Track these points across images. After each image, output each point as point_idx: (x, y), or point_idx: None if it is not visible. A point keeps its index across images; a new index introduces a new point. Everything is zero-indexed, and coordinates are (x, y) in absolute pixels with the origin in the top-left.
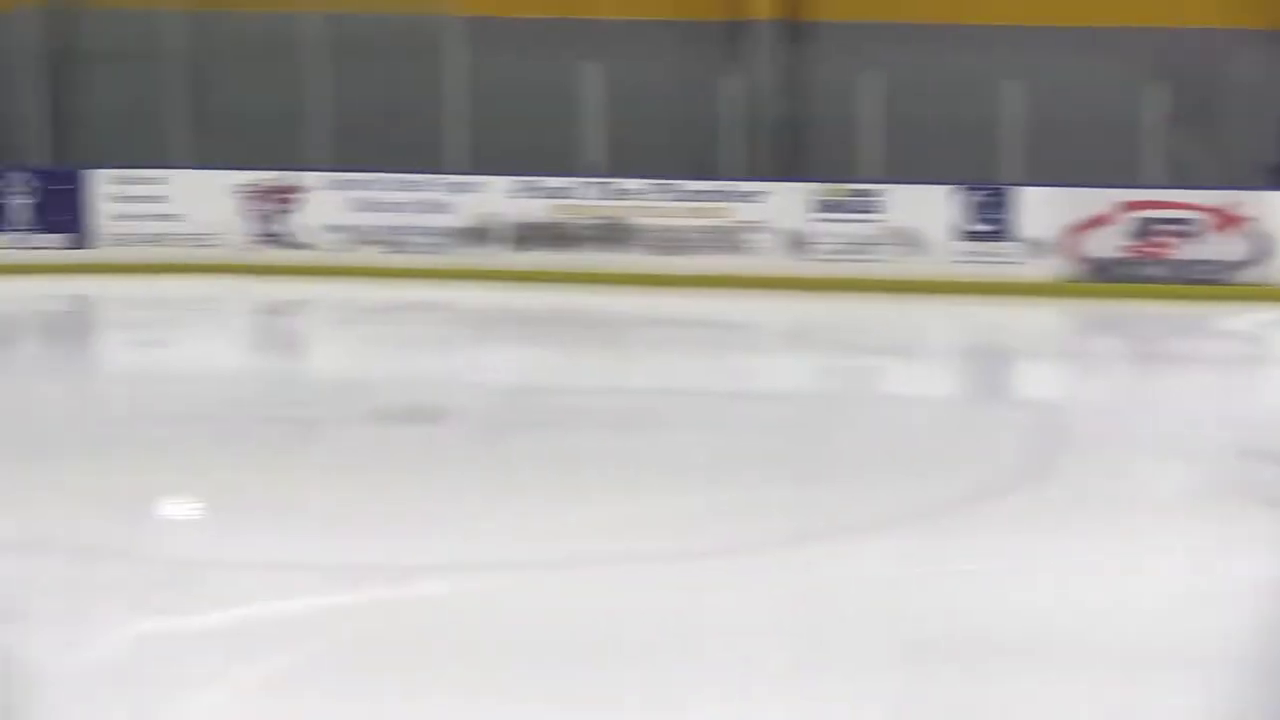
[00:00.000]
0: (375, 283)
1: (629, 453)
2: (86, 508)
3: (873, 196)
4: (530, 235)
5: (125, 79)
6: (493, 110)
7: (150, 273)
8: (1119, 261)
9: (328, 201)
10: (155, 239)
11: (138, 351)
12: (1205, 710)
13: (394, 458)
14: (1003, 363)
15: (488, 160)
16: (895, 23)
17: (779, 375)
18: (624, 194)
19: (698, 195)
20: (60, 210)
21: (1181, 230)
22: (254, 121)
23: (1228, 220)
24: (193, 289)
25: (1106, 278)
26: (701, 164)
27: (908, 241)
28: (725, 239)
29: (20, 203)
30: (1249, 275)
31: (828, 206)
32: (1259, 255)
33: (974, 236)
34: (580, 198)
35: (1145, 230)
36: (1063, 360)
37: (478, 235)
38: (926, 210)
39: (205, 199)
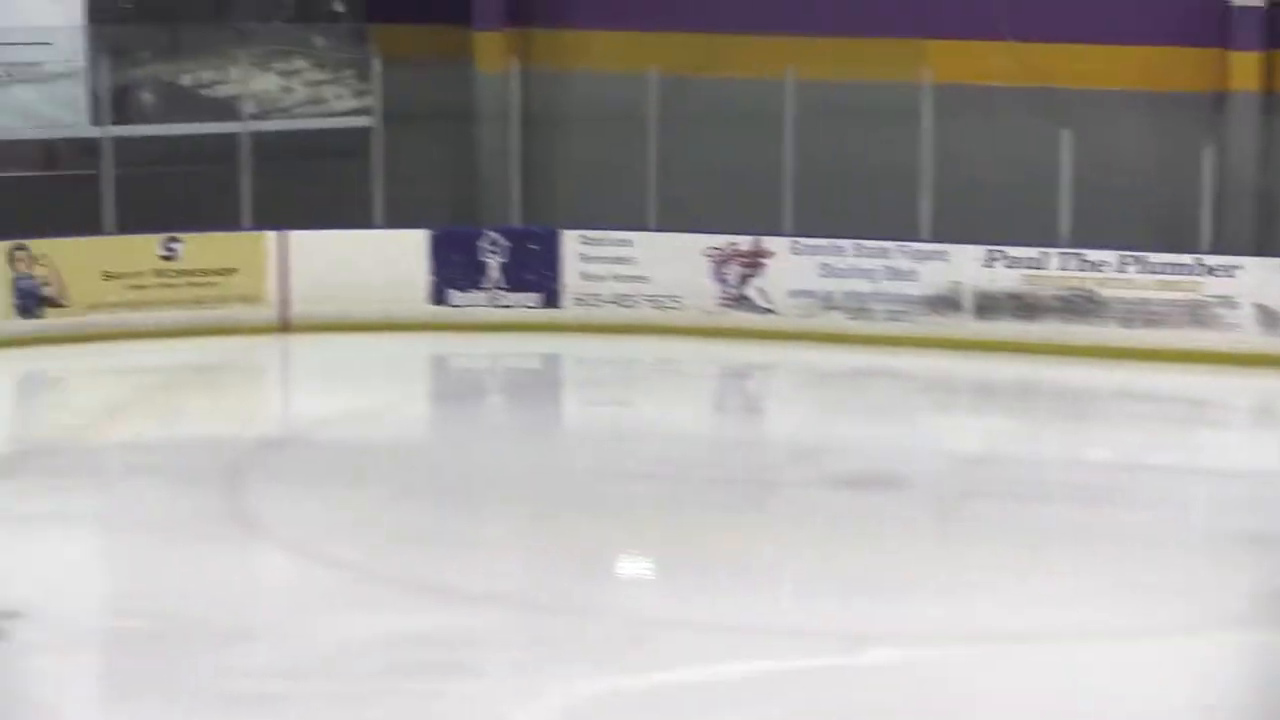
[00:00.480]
0: (838, 348)
1: (1089, 527)
2: (545, 563)
3: None
4: (996, 304)
5: (597, 141)
6: (963, 177)
7: (616, 333)
8: None
9: (793, 266)
10: (622, 300)
11: (601, 410)
12: None
13: (850, 523)
14: None
15: (956, 228)
16: None
17: (1247, 453)
18: (1093, 265)
19: (1168, 268)
20: (531, 270)
21: None
22: (722, 185)
23: None
24: (657, 350)
25: None
26: (1172, 236)
27: None
28: (1195, 313)
29: (494, 261)
30: None
31: None
32: None
33: None
34: (1048, 268)
35: None
36: None
37: (943, 303)
38: None
39: (672, 261)
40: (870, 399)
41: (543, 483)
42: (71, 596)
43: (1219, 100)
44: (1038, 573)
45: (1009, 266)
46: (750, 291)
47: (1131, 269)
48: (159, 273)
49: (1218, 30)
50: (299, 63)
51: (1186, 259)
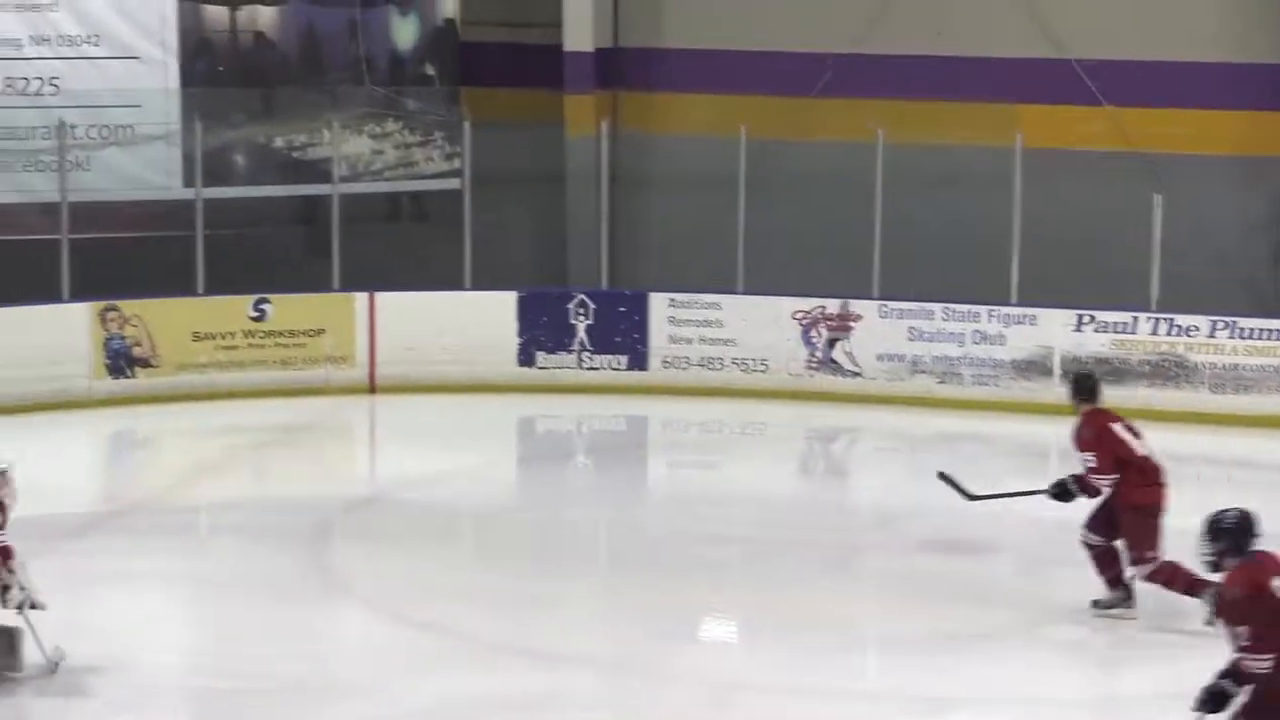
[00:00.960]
0: (925, 412)
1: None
2: (629, 625)
3: None
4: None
5: (686, 204)
6: (1053, 242)
7: (703, 396)
8: None
9: (881, 329)
10: (709, 362)
11: (687, 473)
12: None
13: (935, 588)
14: None
15: (1046, 292)
16: None
17: None
18: (1183, 330)
19: (1259, 333)
20: (619, 332)
21: None
22: (810, 248)
23: None
24: (743, 413)
25: None
26: (1263, 301)
27: None
28: None
29: (581, 324)
30: None
31: None
32: None
33: None
34: (1138, 332)
35: None
36: None
37: (1032, 368)
38: None
39: (759, 324)
40: (957, 464)
41: (627, 545)
42: (158, 654)
43: None
44: (1121, 643)
45: (1098, 331)
46: (838, 355)
47: (1222, 334)
48: (248, 333)
49: None
50: (390, 125)
51: (1277, 324)
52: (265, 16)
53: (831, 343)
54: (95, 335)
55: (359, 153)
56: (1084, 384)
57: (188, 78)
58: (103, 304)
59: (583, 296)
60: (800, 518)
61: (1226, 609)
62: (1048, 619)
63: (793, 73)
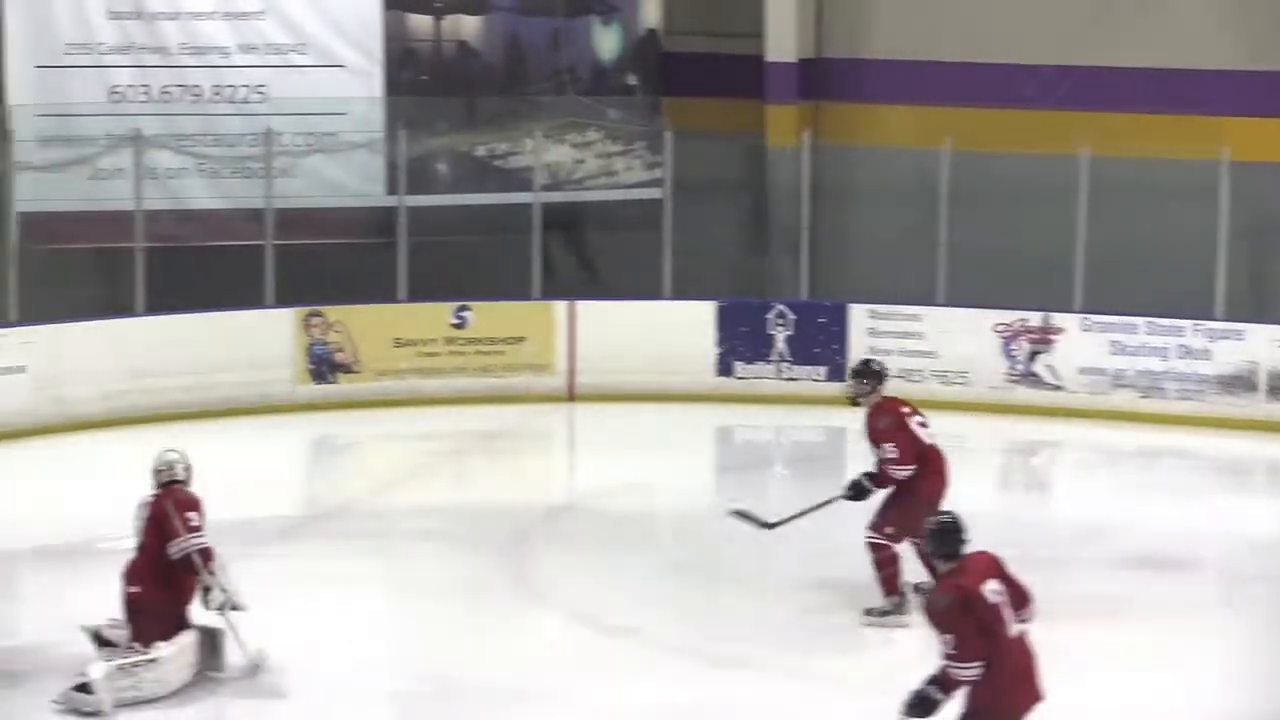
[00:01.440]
0: (1128, 427)
1: None
2: (823, 637)
3: None
4: None
5: (887, 215)
6: (1260, 256)
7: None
8: None
9: (1083, 343)
10: (909, 374)
11: None
12: None
13: (1136, 604)
14: None
15: (1253, 307)
16: None
17: None
18: None
19: None
20: (818, 343)
21: None
22: (1012, 260)
23: None
24: (943, 425)
25: None
26: None
27: None
28: None
29: (781, 334)
30: None
31: None
32: None
33: None
34: None
35: None
36: None
37: (1238, 383)
38: None
39: (960, 336)
40: (1160, 479)
41: (823, 557)
42: (356, 658)
43: None
44: None
45: None
46: (1039, 368)
47: None
48: (449, 340)
49: None
50: (592, 135)
51: None
52: (469, 26)
53: (1033, 355)
54: (298, 341)
55: (560, 161)
56: (871, 371)
57: (392, 86)
58: (306, 310)
59: (782, 307)
60: (999, 532)
61: (935, 616)
62: (1253, 635)
63: (997, 84)
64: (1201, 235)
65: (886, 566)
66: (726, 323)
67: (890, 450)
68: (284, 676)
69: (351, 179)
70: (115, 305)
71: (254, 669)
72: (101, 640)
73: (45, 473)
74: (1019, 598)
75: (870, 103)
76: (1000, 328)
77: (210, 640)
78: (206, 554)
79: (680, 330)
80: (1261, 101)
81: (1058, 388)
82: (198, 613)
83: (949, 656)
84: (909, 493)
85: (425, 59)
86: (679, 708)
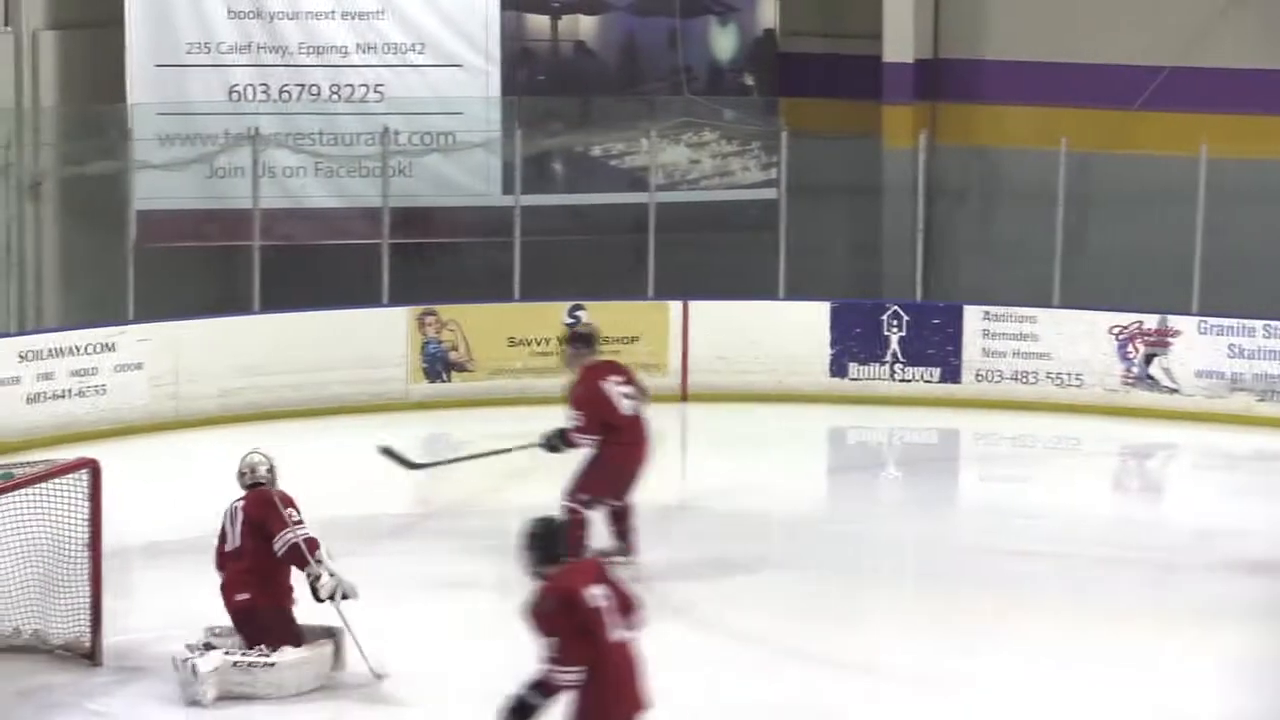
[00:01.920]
0: (1245, 430)
1: None
2: (934, 638)
3: None
4: None
5: (1002, 216)
6: None
7: (1016, 409)
8: None
9: (1200, 346)
10: (1023, 376)
11: (997, 487)
12: None
13: (1252, 609)
14: None
15: None
16: None
17: None
18: None
19: None
20: (932, 344)
21: None
22: (1129, 262)
23: None
24: (1057, 427)
25: None
26: None
27: None
28: None
29: (895, 335)
30: None
31: None
32: None
33: None
34: None
35: None
36: None
37: None
38: None
39: (1076, 338)
40: (1276, 483)
41: (934, 557)
42: (470, 659)
43: None
44: None
45: None
46: (1155, 371)
47: None
48: (563, 340)
49: None
50: (708, 135)
51: None
52: (586, 26)
53: (1149, 358)
54: (413, 339)
55: (676, 162)
56: (578, 336)
57: (508, 86)
58: (420, 309)
59: (896, 308)
60: (1113, 535)
61: (537, 618)
62: None
63: (1115, 85)
64: None
65: (574, 530)
66: (840, 324)
67: (576, 418)
68: (399, 679)
69: (467, 178)
70: (231, 303)
71: (376, 676)
72: (209, 649)
73: (160, 469)
74: (625, 605)
75: (987, 103)
76: (1116, 330)
77: (331, 641)
78: (312, 544)
79: (794, 331)
80: None
81: (1174, 390)
82: (313, 610)
83: (550, 660)
84: (604, 461)
85: (542, 58)
86: (791, 708)
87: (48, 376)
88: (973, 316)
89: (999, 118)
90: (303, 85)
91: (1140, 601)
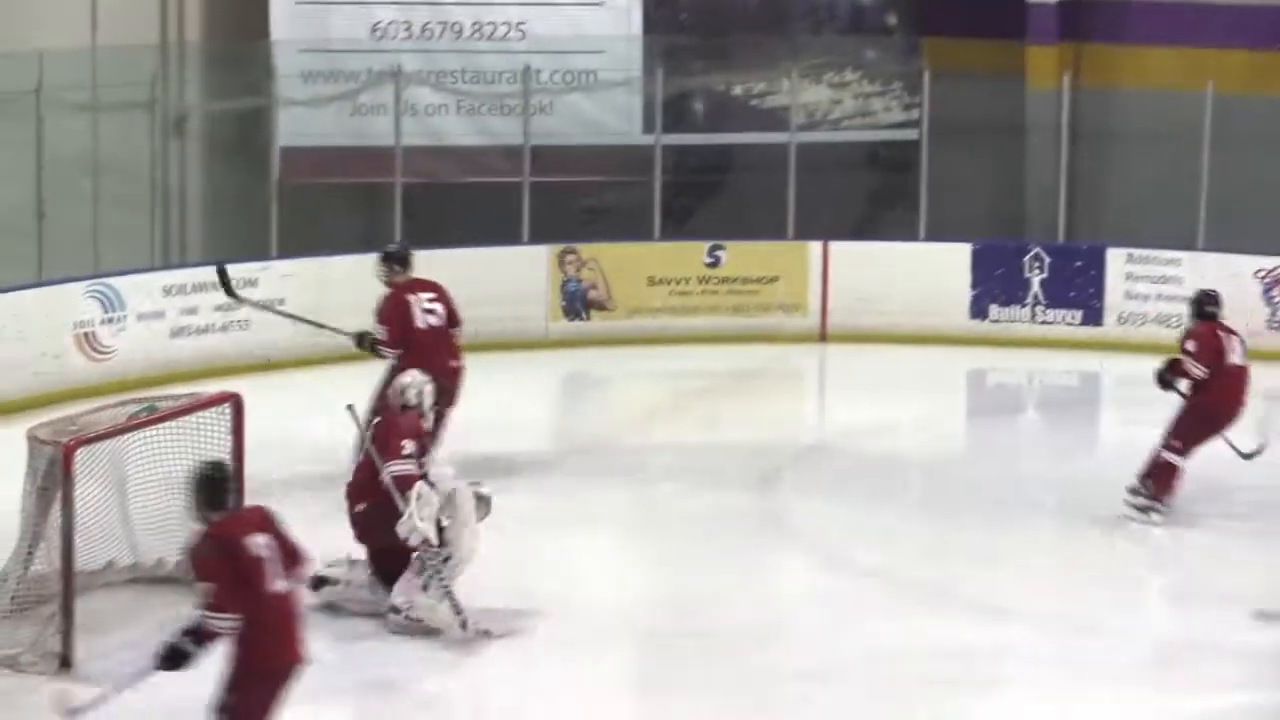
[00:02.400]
0: None
1: None
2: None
3: None
4: None
5: (1146, 158)
6: None
7: (1158, 352)
8: None
9: None
10: (1165, 319)
11: (1139, 430)
12: None
13: None
14: None
15: None
16: None
17: None
18: None
19: None
20: (1074, 286)
21: None
22: (1275, 205)
23: None
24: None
25: None
26: None
27: None
28: None
29: (1036, 278)
30: None
31: None
32: None
33: None
34: None
35: None
36: None
37: None
38: None
39: (1219, 282)
40: None
41: (1073, 500)
42: (605, 594)
43: None
44: None
45: None
46: None
47: None
48: (702, 279)
49: None
50: (849, 75)
51: None
52: None
53: None
54: (553, 278)
55: (817, 101)
56: (389, 255)
57: (650, 24)
58: (561, 247)
59: (1038, 250)
60: (1254, 479)
61: (196, 563)
62: None
63: (1262, 26)
64: None
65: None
66: (981, 265)
67: (379, 331)
68: (533, 613)
69: (608, 117)
70: (373, 240)
71: (461, 623)
72: (319, 580)
73: (301, 405)
74: (290, 556)
75: (1132, 45)
76: (1261, 274)
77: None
78: (406, 481)
79: (935, 272)
80: None
81: None
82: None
83: (206, 606)
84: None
85: None
86: (923, 650)
87: (191, 311)
88: (1116, 259)
89: (1144, 59)
90: (445, 23)
91: (1276, 545)
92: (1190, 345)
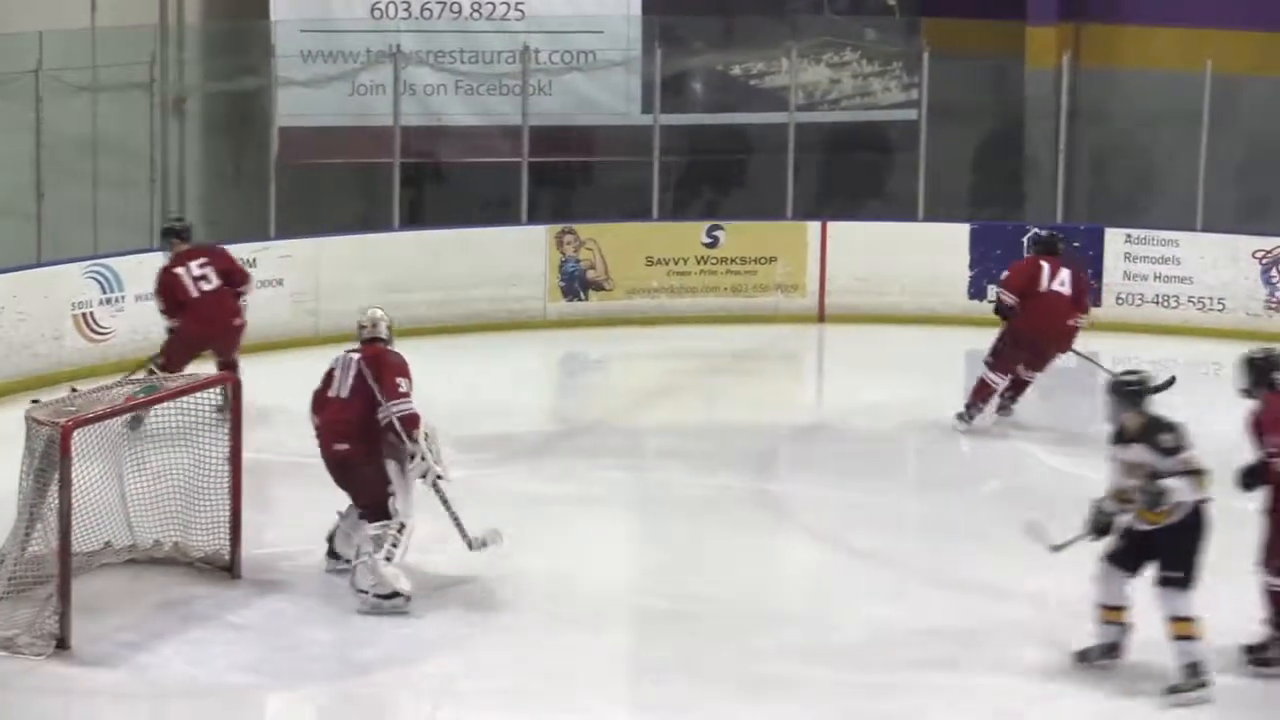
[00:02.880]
0: None
1: None
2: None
3: None
4: None
5: (1145, 139)
6: None
7: (1156, 333)
8: None
9: None
10: (1164, 300)
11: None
12: None
13: None
14: None
15: None
16: None
17: None
18: None
19: None
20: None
21: None
22: (1273, 186)
23: None
24: (1198, 352)
25: None
26: None
27: None
28: None
29: None
30: None
31: None
32: None
33: None
34: None
35: None
36: None
37: None
38: None
39: (1218, 263)
40: None
41: (1069, 482)
42: (602, 573)
43: None
44: None
45: None
46: None
47: None
48: (701, 259)
49: None
50: (848, 55)
51: None
52: None
53: None
54: (551, 258)
55: (816, 81)
56: (168, 230)
57: (649, 4)
58: (559, 227)
59: (1037, 230)
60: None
61: None
62: None
63: (1259, 7)
64: None
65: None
66: (980, 245)
67: (157, 301)
68: (532, 591)
69: (607, 97)
70: (372, 220)
71: (478, 544)
72: (334, 551)
73: (300, 385)
74: None
75: (1130, 24)
76: (1259, 254)
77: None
78: (412, 420)
79: (933, 252)
80: None
81: None
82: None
83: None
84: (180, 333)
85: None
86: (919, 631)
87: None
88: (1114, 239)
89: (1143, 39)
90: (444, 3)
91: None
92: (1005, 275)
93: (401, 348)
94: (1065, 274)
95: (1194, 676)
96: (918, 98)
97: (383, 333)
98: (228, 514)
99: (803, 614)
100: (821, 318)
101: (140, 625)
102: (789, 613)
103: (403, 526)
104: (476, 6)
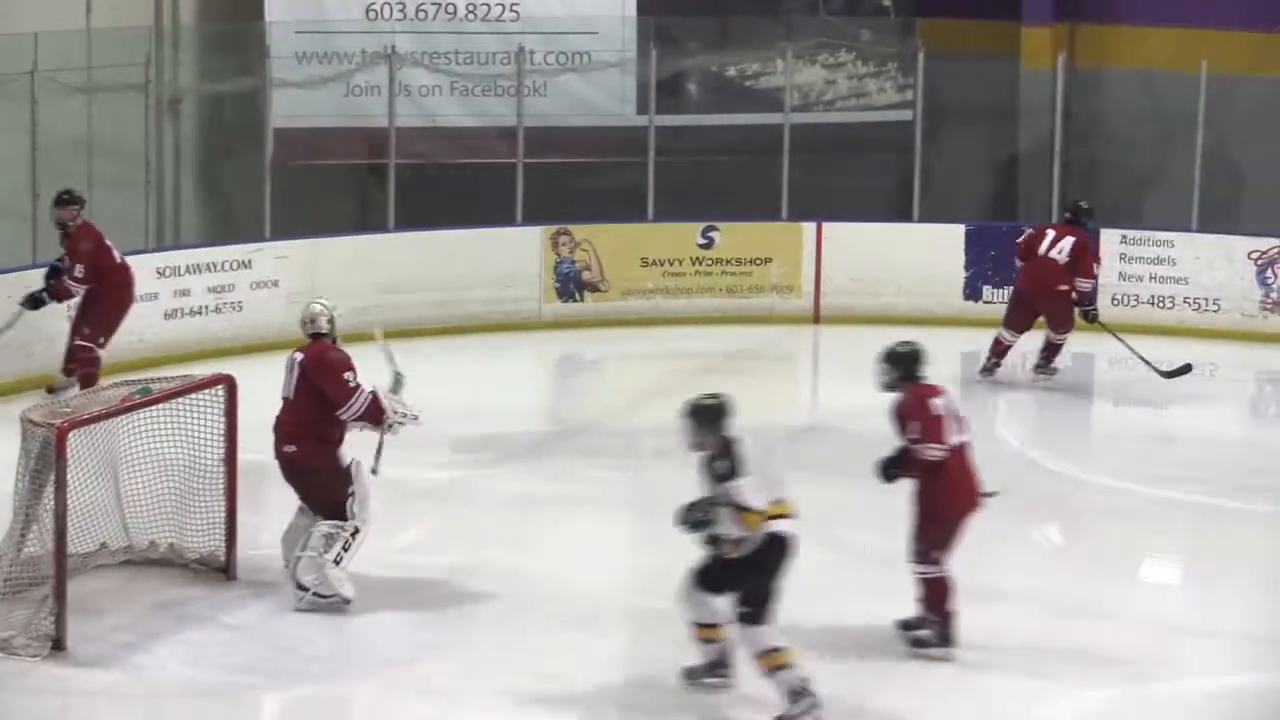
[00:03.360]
0: None
1: None
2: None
3: None
4: None
5: (1141, 139)
6: None
7: (1152, 334)
8: None
9: None
10: (1159, 300)
11: (1132, 412)
12: None
13: None
14: None
15: None
16: None
17: None
18: None
19: None
20: None
21: None
22: (1269, 187)
23: None
24: (1194, 352)
25: None
26: None
27: None
28: None
29: None
30: None
31: None
32: None
33: None
34: None
35: None
36: None
37: None
38: None
39: (1214, 263)
40: None
41: (1065, 483)
42: (598, 573)
43: None
44: None
45: None
46: None
47: None
48: (696, 260)
49: None
50: (844, 56)
51: None
52: None
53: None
54: (546, 259)
55: (811, 82)
56: (80, 198)
57: (644, 5)
58: (554, 228)
59: (1032, 231)
60: (1249, 461)
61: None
62: None
63: (1255, 6)
64: None
65: (87, 368)
66: (975, 246)
67: (77, 270)
68: (529, 592)
69: (602, 98)
70: (367, 222)
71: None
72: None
73: None
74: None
75: (1126, 25)
76: (1255, 255)
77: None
78: (374, 409)
79: (928, 253)
80: None
81: None
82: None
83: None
84: (101, 304)
85: None
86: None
87: (185, 293)
88: (1110, 240)
89: (1138, 39)
90: (439, 4)
91: (1273, 527)
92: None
93: (396, 349)
94: (1067, 242)
95: (800, 699)
96: (913, 98)
97: (323, 327)
98: (223, 515)
99: (799, 614)
100: (817, 319)
101: (136, 626)
102: (786, 613)
103: (357, 531)
104: (471, 8)
